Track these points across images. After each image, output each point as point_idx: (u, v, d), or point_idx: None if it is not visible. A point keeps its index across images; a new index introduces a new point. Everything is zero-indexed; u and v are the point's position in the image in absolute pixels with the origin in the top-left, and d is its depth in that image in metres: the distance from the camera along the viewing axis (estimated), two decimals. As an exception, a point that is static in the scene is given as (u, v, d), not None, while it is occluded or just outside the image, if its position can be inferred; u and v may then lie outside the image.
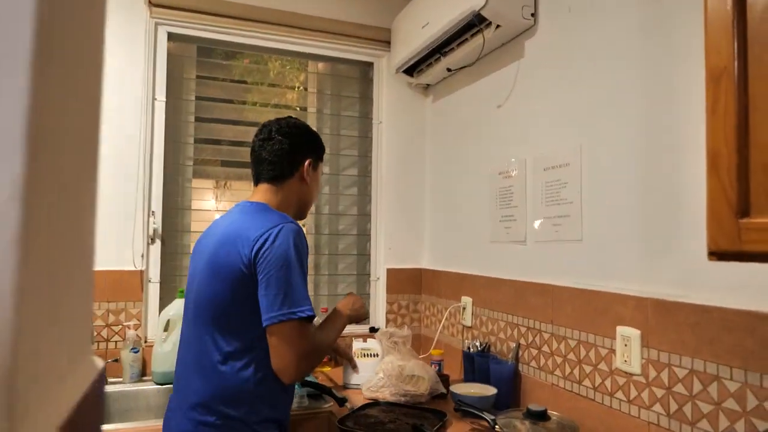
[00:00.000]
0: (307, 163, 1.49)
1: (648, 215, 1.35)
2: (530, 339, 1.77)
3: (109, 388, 1.98)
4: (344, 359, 2.02)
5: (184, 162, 2.39)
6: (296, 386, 1.74)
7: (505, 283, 1.92)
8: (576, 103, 1.61)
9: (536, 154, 1.78)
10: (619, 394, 1.40)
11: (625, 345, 1.37)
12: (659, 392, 1.28)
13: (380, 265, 2.55)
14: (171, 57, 2.31)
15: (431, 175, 2.57)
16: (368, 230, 2.60)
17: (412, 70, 2.40)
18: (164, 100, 2.25)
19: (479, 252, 2.12)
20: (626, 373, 1.38)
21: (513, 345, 1.84)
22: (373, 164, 2.60)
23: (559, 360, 1.63)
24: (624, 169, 1.43)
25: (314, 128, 2.67)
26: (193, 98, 2.41)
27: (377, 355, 2.07)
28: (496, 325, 1.96)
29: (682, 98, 1.26)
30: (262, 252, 1.28)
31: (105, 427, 1.86)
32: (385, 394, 1.83)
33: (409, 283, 2.54)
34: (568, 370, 1.59)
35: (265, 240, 1.28)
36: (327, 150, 2.67)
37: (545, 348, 1.69)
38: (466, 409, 1.58)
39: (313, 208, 2.66)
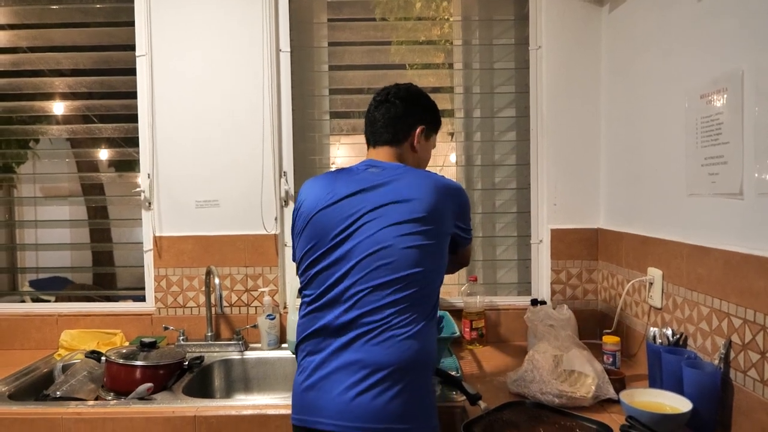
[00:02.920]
0: (419, 130, 1.41)
1: None
2: (748, 337, 1.20)
3: (247, 354, 1.95)
4: None
5: (320, 117, 2.21)
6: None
7: (710, 253, 1.34)
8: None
9: (761, 61, 1.16)
10: None
11: None
12: None
13: (543, 225, 2.08)
14: (296, 2, 2.11)
15: (607, 109, 1.97)
16: (530, 183, 2.14)
17: (577, -30, 1.83)
18: (289, 50, 2.07)
19: (672, 208, 1.54)
20: None
21: (721, 342, 1.29)
22: (531, 101, 2.10)
23: (797, 376, 1.06)
24: None
25: (461, 64, 2.31)
26: (326, 45, 2.19)
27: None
28: (697, 310, 1.40)
29: None
30: None
31: (244, 400, 1.82)
32: (534, 392, 1.44)
33: (581, 247, 2.03)
34: (812, 395, 1.02)
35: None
36: (477, 89, 2.29)
37: (773, 354, 1.12)
38: (638, 433, 1.12)
39: (463, 160, 2.29)
